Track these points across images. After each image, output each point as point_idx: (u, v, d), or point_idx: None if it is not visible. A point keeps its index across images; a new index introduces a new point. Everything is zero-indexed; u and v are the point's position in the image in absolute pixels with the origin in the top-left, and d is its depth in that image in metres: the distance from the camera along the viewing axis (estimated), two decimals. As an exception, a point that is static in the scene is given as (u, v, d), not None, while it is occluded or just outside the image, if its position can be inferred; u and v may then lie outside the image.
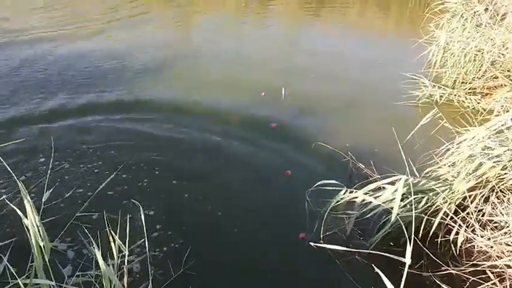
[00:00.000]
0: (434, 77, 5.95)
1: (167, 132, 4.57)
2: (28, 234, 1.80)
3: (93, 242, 1.86)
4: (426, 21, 6.78)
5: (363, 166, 3.78)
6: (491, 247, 2.74)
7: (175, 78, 6.12)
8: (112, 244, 1.91)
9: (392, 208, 2.81)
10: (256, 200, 3.56)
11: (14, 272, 1.72)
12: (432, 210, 2.91)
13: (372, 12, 11.45)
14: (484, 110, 4.88)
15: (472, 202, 2.92)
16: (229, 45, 7.73)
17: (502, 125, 3.11)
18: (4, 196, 2.16)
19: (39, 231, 1.76)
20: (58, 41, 7.45)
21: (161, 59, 6.81)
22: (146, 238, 2.04)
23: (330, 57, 7.15)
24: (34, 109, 5.05)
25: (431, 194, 2.99)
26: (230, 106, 5.22)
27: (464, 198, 2.94)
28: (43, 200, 1.96)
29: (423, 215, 2.87)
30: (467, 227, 2.87)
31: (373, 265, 1.64)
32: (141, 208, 2.14)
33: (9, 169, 2.06)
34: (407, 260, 1.52)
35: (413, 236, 1.64)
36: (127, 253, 1.93)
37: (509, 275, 2.57)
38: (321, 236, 3.04)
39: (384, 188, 3.01)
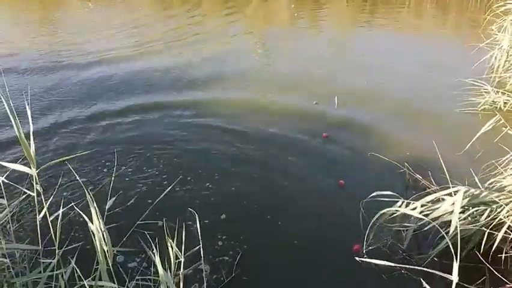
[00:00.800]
0: (497, 83, 5.67)
1: (225, 141, 4.70)
2: (93, 239, 1.92)
3: (153, 247, 1.95)
4: (487, 23, 6.47)
5: (421, 177, 3.66)
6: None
7: (233, 88, 6.31)
8: (170, 251, 2.00)
9: (450, 221, 2.70)
10: (309, 209, 3.55)
11: (80, 275, 1.84)
12: (495, 223, 2.76)
13: (429, 14, 11.10)
14: (554, 117, 4.57)
15: (540, 216, 2.74)
16: (283, 54, 7.81)
17: None
18: (73, 203, 2.31)
19: (103, 236, 1.87)
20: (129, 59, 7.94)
21: (223, 70, 7.05)
22: (201, 246, 2.10)
23: (385, 63, 7.02)
24: (101, 114, 5.46)
25: (494, 206, 2.84)
26: (282, 115, 5.27)
27: (531, 212, 2.76)
28: (106, 207, 2.08)
29: (485, 229, 2.73)
30: (534, 242, 2.69)
31: (421, 279, 1.59)
32: (197, 216, 2.21)
33: (76, 176, 2.21)
34: (454, 277, 1.47)
35: (457, 250, 1.56)
36: (182, 260, 2.00)
37: None
38: (374, 248, 2.97)
39: (443, 199, 2.90)
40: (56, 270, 2.11)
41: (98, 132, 4.94)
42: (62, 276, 2.13)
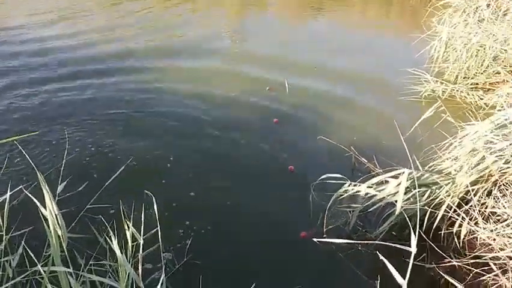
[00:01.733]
0: (436, 73, 5.99)
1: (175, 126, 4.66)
2: (45, 224, 1.84)
3: (110, 231, 1.91)
4: (428, 15, 6.80)
5: (366, 160, 3.83)
6: (494, 239, 2.80)
7: (183, 59, 6.35)
8: (127, 233, 1.96)
9: (395, 201, 2.86)
10: (259, 194, 3.61)
11: (34, 259, 1.76)
12: (435, 203, 2.97)
13: (374, 6, 11.45)
14: (486, 106, 4.92)
15: (474, 195, 2.97)
16: (233, 41, 7.79)
17: (505, 119, 3.15)
18: (22, 185, 2.20)
19: (57, 220, 1.81)
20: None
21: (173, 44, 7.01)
22: (159, 227, 2.08)
23: (331, 52, 7.16)
24: (45, 88, 5.33)
25: (434, 187, 3.04)
26: (233, 100, 5.27)
27: (467, 192, 2.98)
28: (57, 191, 2.00)
29: (427, 208, 2.92)
30: (470, 220, 2.92)
31: (377, 252, 1.67)
32: (154, 199, 2.18)
33: (28, 158, 2.10)
34: (413, 249, 1.55)
35: (417, 228, 1.65)
36: (141, 242, 1.98)
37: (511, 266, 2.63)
38: (325, 230, 3.08)
39: (387, 181, 3.05)
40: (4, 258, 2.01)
41: (46, 108, 4.80)
42: (9, 263, 2.04)
